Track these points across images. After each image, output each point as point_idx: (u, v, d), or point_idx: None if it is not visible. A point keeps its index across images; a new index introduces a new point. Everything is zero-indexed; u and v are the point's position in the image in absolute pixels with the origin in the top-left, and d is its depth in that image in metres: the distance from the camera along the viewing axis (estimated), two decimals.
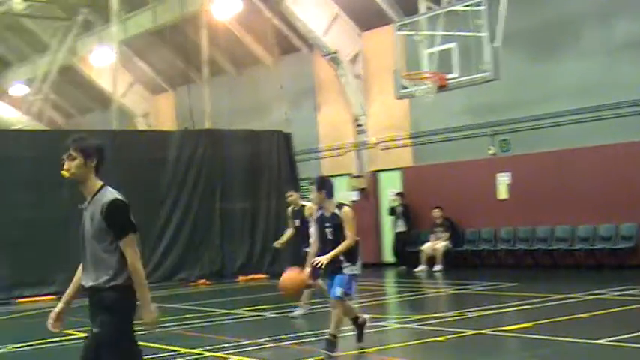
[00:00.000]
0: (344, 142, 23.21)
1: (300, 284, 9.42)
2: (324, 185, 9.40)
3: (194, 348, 10.02)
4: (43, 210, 17.66)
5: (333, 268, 9.05)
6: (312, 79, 24.42)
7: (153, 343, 10.63)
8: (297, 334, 10.82)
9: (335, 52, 22.04)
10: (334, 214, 9.24)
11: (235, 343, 10.29)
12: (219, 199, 20.19)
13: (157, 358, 9.59)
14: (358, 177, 22.71)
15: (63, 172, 5.27)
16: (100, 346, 5.22)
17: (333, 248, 9.05)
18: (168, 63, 28.29)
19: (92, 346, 5.28)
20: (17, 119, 29.70)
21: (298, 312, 12.68)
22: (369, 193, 22.56)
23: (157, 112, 30.56)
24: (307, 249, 10.53)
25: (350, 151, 23.04)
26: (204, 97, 22.02)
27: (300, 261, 10.43)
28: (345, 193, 22.62)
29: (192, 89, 24.27)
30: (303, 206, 12.98)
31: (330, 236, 9.23)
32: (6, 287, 17.12)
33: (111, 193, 5.29)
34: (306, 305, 12.74)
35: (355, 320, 9.58)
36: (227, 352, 9.62)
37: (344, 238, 9.11)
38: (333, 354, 8.86)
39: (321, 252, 9.18)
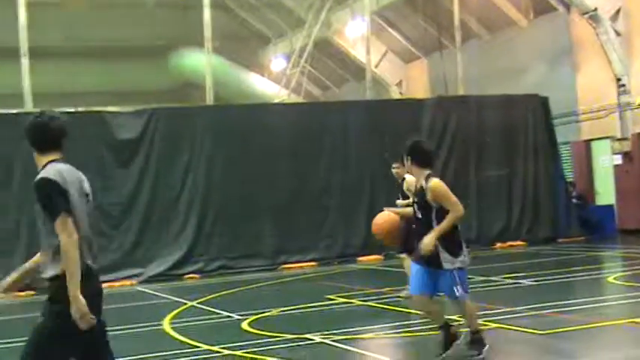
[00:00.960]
0: (605, 103, 22.06)
1: (394, 223, 8.94)
2: (414, 150, 7.80)
3: (450, 314, 9.99)
4: (303, 179, 18.36)
5: (429, 258, 7.41)
6: (568, 40, 23.41)
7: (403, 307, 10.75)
8: (556, 303, 10.47)
9: (594, 10, 20.96)
10: (422, 188, 7.56)
11: (494, 311, 10.14)
12: (474, 166, 19.95)
13: (416, 322, 9.66)
14: (621, 139, 21.52)
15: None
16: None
17: (423, 230, 7.43)
18: (420, 30, 28.29)
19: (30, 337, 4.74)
20: (277, 93, 31.01)
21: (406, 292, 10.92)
22: (633, 157, 21.31)
23: (409, 80, 30.72)
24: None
25: (612, 112, 21.86)
26: (457, 63, 21.79)
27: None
28: (607, 157, 21.61)
29: (444, 55, 24.12)
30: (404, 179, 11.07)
31: (418, 215, 7.61)
32: (271, 254, 18.00)
33: (44, 171, 4.80)
34: None
35: (447, 329, 7.72)
36: (486, 319, 9.49)
37: (438, 219, 7.39)
38: (483, 351, 7.52)
39: (416, 235, 7.64)
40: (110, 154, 17.10)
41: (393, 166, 11.65)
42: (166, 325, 10.92)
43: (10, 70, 19.74)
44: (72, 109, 17.74)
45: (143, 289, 15.79)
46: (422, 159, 7.68)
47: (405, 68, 30.97)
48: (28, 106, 17.03)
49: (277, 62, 33.46)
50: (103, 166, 16.89)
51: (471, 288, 12.77)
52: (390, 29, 29.47)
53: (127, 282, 16.54)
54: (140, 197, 17.25)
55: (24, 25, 17.21)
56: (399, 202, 11.22)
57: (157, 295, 14.72)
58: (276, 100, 28.37)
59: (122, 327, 10.88)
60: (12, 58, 18.19)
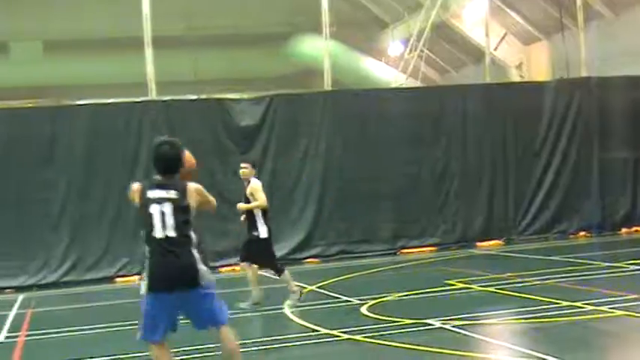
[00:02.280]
0: None
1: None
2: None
3: (575, 301, 9.76)
4: (421, 164, 18.24)
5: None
6: None
7: (533, 294, 10.56)
8: None
9: None
10: None
11: (619, 298, 9.85)
12: (598, 149, 19.36)
13: (539, 308, 9.49)
14: None
15: None
16: None
17: None
18: (540, 11, 27.59)
19: None
20: (394, 78, 30.85)
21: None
22: None
23: (530, 62, 30.03)
24: None
25: None
26: (580, 44, 21.15)
27: None
28: None
29: (566, 36, 23.44)
30: None
31: None
32: (390, 238, 17.99)
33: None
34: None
35: None
36: (611, 306, 9.24)
37: None
38: None
39: None
40: (231, 141, 17.41)
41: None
42: (286, 308, 11.08)
43: (134, 59, 20.34)
44: (194, 97, 18.16)
45: (263, 273, 16.03)
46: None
47: (525, 50, 30.27)
48: (152, 95, 17.53)
49: (395, 46, 33.30)
50: (224, 153, 17.24)
51: (594, 275, 12.53)
52: (509, 10, 28.85)
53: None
54: (261, 182, 17.47)
55: (148, 15, 17.69)
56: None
57: (277, 279, 14.93)
58: (394, 85, 28.24)
59: (245, 310, 11.11)
60: (136, 48, 18.73)
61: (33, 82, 28.84)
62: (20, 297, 14.79)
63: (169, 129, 16.76)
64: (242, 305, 11.28)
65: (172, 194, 5.99)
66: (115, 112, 17.07)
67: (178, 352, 8.01)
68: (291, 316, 10.46)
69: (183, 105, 17.60)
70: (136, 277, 16.07)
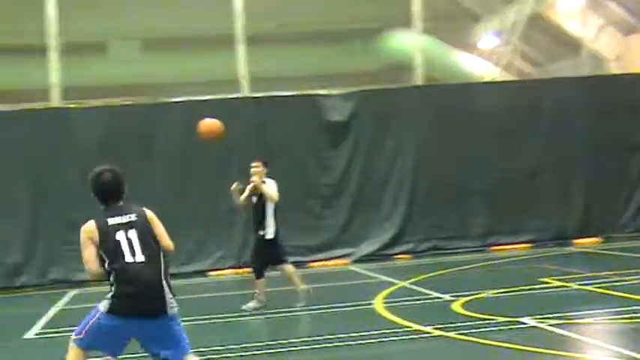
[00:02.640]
0: None
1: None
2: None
3: None
4: (514, 159, 17.91)
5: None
6: None
7: (634, 293, 10.26)
8: None
9: None
10: None
11: None
12: None
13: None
14: None
15: None
16: None
17: None
18: None
19: None
20: (487, 72, 30.44)
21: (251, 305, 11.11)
22: None
23: (630, 53, 29.19)
24: None
25: None
26: None
27: None
28: None
29: None
30: None
31: None
32: (481, 235, 17.75)
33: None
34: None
35: None
36: None
37: None
38: None
39: None
40: (322, 136, 17.48)
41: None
42: (378, 304, 11.05)
43: (227, 56, 20.61)
44: (285, 93, 18.29)
45: (354, 269, 16.06)
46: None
47: (624, 41, 29.45)
48: (245, 92, 17.73)
49: (488, 40, 32.84)
50: (315, 148, 17.33)
51: None
52: (607, 1, 28.12)
53: (339, 261, 16.88)
54: (351, 178, 17.53)
55: (240, 13, 17.90)
56: None
57: (368, 275, 14.93)
58: (487, 79, 27.86)
59: (335, 305, 11.13)
60: (229, 45, 18.99)
61: (130, 80, 29.53)
62: None
63: (261, 125, 16.98)
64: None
65: (134, 217, 5.84)
66: (208, 109, 17.20)
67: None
68: (382, 312, 10.42)
69: (274, 101, 17.76)
70: (230, 271, 16.36)
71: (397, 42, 31.44)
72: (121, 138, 16.49)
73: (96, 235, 5.75)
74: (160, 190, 16.46)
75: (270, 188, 11.15)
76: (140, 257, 5.71)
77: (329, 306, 11.01)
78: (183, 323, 5.80)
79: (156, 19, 28.51)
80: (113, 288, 5.67)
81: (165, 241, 5.98)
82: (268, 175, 11.34)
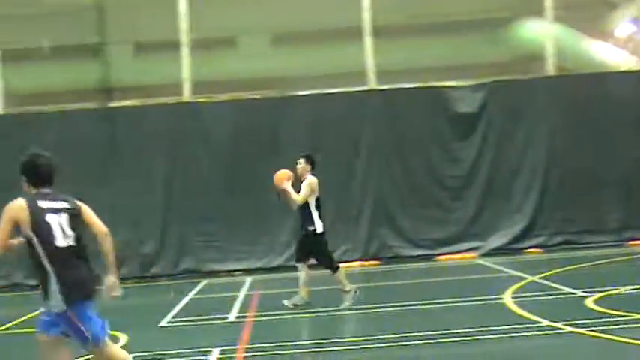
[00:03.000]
0: None
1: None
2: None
3: None
4: None
5: None
6: None
7: None
8: None
9: None
10: None
11: None
12: None
13: None
14: None
15: None
16: None
17: None
18: None
19: None
20: (623, 60, 29.38)
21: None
22: None
23: None
24: None
25: None
26: None
27: None
28: None
29: None
30: None
31: None
32: (617, 229, 17.15)
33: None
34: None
35: None
36: None
37: None
38: None
39: None
40: (450, 128, 17.29)
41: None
42: (507, 298, 10.84)
43: (354, 49, 20.63)
44: (413, 85, 18.19)
45: (483, 262, 15.82)
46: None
47: None
48: (372, 84, 17.73)
49: (624, 27, 31.69)
50: (443, 140, 17.18)
51: None
52: None
53: (467, 254, 16.67)
54: (480, 170, 17.28)
55: (368, 5, 17.96)
56: None
57: (497, 269, 14.68)
58: (623, 68, 26.90)
59: (464, 299, 10.99)
60: (356, 38, 19.02)
61: (259, 74, 30.01)
62: (248, 279, 15.48)
63: (389, 117, 16.96)
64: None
65: (66, 205, 5.88)
66: (335, 101, 17.44)
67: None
68: (512, 306, 10.21)
69: (402, 93, 17.69)
70: (357, 263, 16.40)
71: (528, 31, 30.68)
72: (249, 131, 16.80)
73: (25, 214, 5.74)
74: None
75: (304, 187, 11.04)
76: (72, 242, 5.78)
77: (458, 299, 10.88)
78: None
79: (285, 13, 28.87)
80: (52, 279, 5.68)
81: (98, 226, 6.01)
82: (312, 173, 11.24)
